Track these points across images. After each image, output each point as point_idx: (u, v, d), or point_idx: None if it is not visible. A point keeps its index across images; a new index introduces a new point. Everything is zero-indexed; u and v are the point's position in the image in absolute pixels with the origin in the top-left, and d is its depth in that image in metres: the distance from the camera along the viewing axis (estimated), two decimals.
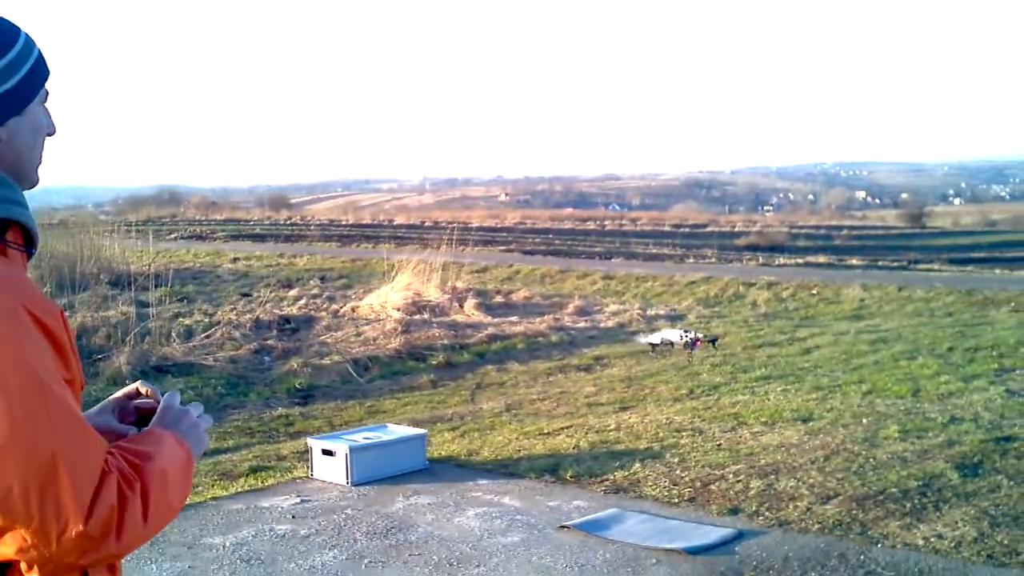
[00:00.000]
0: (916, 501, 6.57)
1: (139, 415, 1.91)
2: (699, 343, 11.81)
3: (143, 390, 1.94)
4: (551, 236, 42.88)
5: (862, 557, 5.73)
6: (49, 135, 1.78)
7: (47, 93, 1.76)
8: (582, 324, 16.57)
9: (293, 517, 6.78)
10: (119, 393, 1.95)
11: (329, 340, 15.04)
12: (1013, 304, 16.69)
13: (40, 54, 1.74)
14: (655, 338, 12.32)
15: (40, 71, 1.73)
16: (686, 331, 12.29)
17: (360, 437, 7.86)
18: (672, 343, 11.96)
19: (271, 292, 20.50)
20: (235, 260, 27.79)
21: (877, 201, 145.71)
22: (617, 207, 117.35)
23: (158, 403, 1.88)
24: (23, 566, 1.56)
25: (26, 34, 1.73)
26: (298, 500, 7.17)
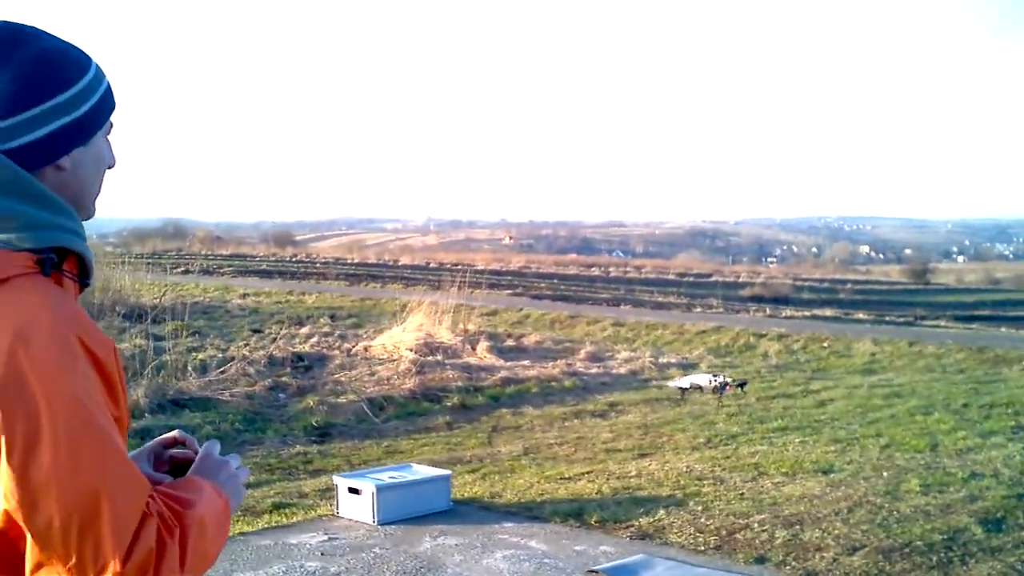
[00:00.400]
0: (942, 555, 6.62)
1: (173, 464, 1.88)
2: (729, 387, 11.86)
3: (180, 439, 1.91)
4: (556, 281, 43.07)
5: None
6: (109, 167, 1.79)
7: (112, 125, 1.77)
8: (595, 370, 16.63)
9: (322, 554, 6.82)
10: (155, 441, 1.93)
11: (343, 379, 15.10)
12: None
13: (109, 86, 1.76)
14: (684, 382, 12.38)
15: (108, 102, 1.75)
16: (715, 375, 12.36)
17: (386, 476, 7.90)
18: (701, 387, 12.02)
19: (283, 329, 20.58)
20: (244, 296, 27.90)
21: (881, 256, 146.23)
22: (621, 254, 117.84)
23: (195, 453, 1.87)
24: None
25: (96, 64, 1.74)
26: (325, 537, 7.21)
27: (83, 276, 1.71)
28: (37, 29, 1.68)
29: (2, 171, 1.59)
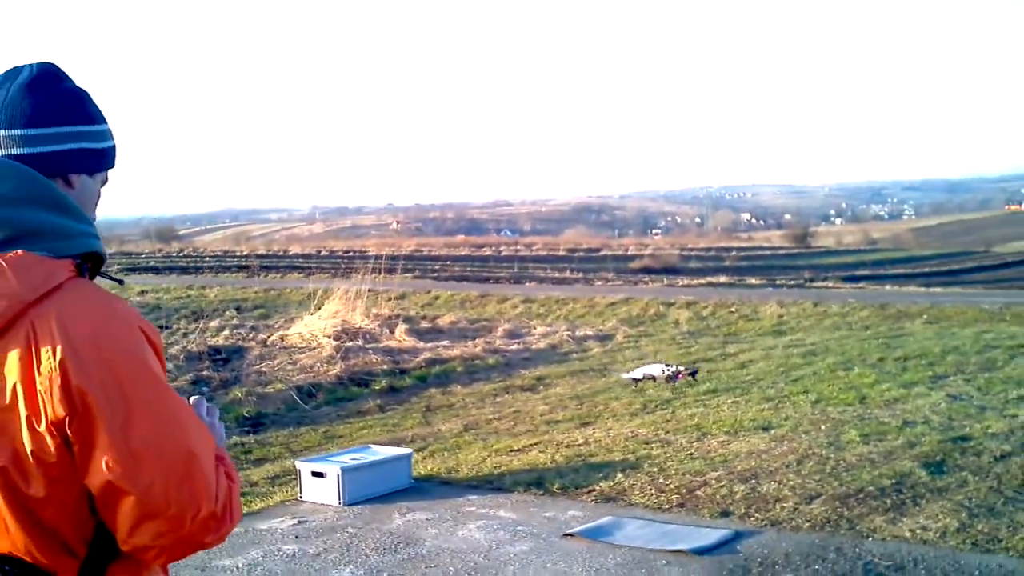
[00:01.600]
0: (894, 498, 6.94)
1: None
2: (680, 375, 12.13)
3: None
4: (450, 263, 43.18)
5: (857, 550, 6.05)
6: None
7: (107, 180, 2.04)
8: (515, 347, 16.81)
9: (296, 537, 6.86)
10: None
11: (265, 369, 15.01)
12: (926, 316, 17.46)
13: (115, 146, 2.04)
14: (637, 373, 12.60)
15: (113, 155, 2.03)
16: (667, 365, 12.61)
17: (348, 458, 7.95)
18: (654, 377, 12.26)
19: (190, 324, 20.30)
20: (143, 293, 27.34)
21: (762, 223, 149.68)
22: (509, 233, 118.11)
23: None
24: (151, 554, 1.76)
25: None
26: (295, 521, 7.24)
27: (95, 272, 1.93)
28: (72, 78, 1.99)
29: (39, 187, 1.83)
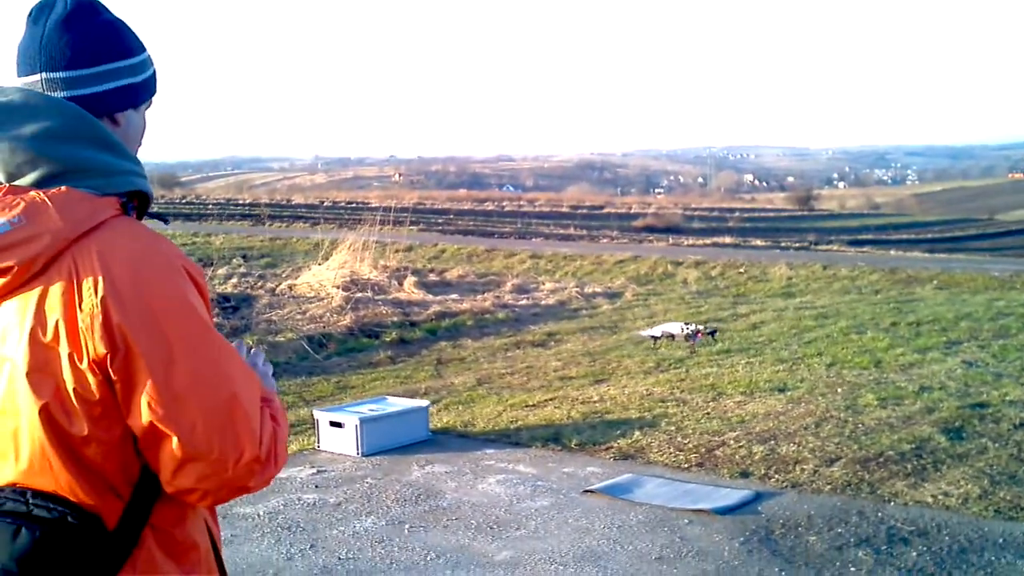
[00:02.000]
0: (915, 463, 6.94)
1: None
2: (700, 335, 12.08)
3: None
4: (453, 216, 43.04)
5: (879, 514, 6.05)
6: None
7: (151, 104, 2.00)
8: (524, 302, 16.78)
9: (316, 487, 6.87)
10: None
11: (275, 318, 14.97)
12: (936, 282, 17.42)
13: (155, 70, 2.00)
14: (656, 331, 12.55)
15: (155, 81, 1.99)
16: (687, 324, 12.56)
17: (366, 409, 7.95)
18: (673, 335, 12.21)
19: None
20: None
21: (764, 184, 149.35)
22: (511, 188, 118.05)
23: None
24: (194, 496, 1.74)
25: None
26: (314, 471, 7.25)
27: (143, 211, 1.90)
28: (107, 7, 1.93)
29: (84, 123, 1.78)
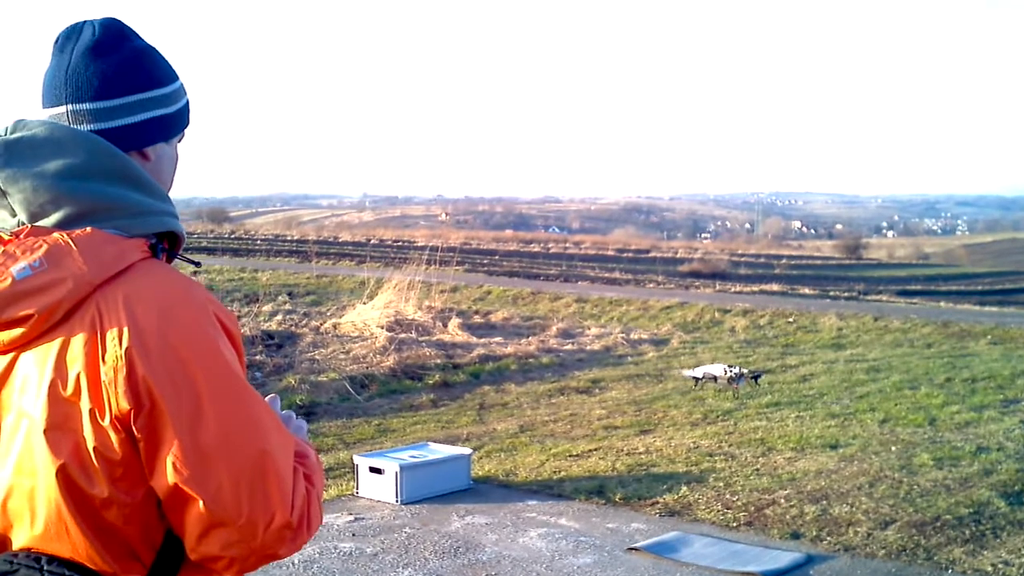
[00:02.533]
0: (973, 528, 6.68)
1: None
2: (744, 378, 11.84)
3: None
4: (498, 257, 43.00)
5: None
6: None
7: (184, 136, 1.88)
8: (569, 347, 16.60)
9: (353, 535, 6.71)
10: None
11: (318, 357, 14.90)
12: (990, 337, 17.03)
13: (189, 100, 1.88)
14: (698, 372, 12.34)
15: (188, 112, 1.87)
16: (730, 366, 12.31)
17: (407, 455, 7.80)
18: (716, 377, 11.99)
19: (243, 307, 20.29)
20: (195, 273, 27.41)
21: (812, 231, 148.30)
22: (557, 230, 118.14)
23: None
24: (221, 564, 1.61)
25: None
26: (352, 518, 7.10)
27: (174, 253, 1.79)
28: (138, 34, 1.81)
29: (111, 159, 1.66)
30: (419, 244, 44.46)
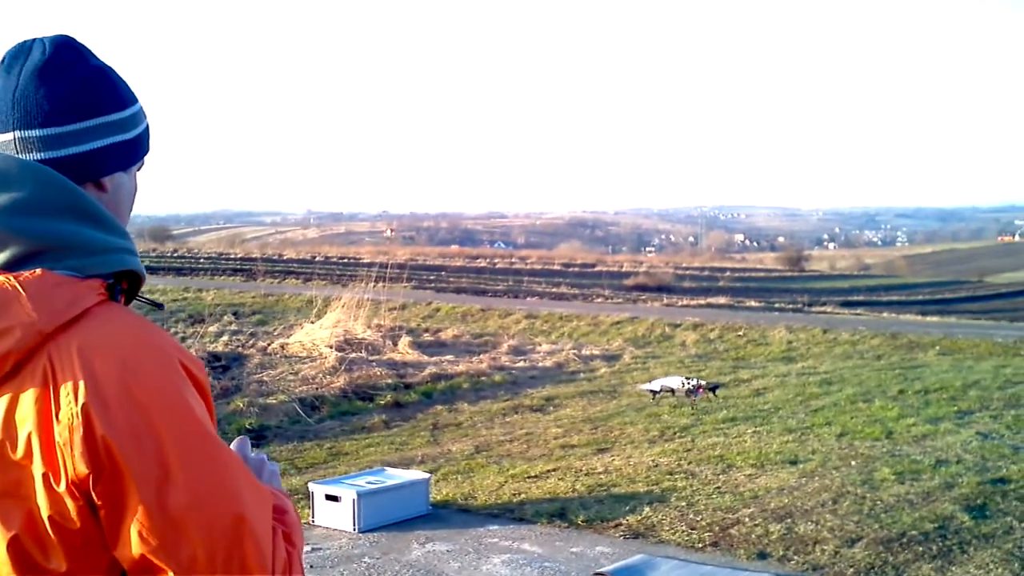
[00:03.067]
0: (940, 544, 6.63)
1: None
2: (701, 390, 11.78)
3: None
4: (445, 273, 42.85)
5: None
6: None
7: (143, 164, 1.71)
8: (520, 364, 16.46)
9: (311, 567, 6.52)
10: None
11: (266, 378, 14.63)
12: (939, 347, 17.15)
13: (148, 125, 1.71)
14: (655, 385, 12.27)
15: (147, 138, 1.70)
16: (688, 379, 12.25)
17: (363, 482, 7.61)
18: (673, 390, 11.91)
19: (188, 328, 19.94)
20: (151, 315, 26.92)
21: (755, 244, 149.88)
22: (503, 245, 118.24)
23: None
24: None
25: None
26: (308, 548, 6.89)
27: (133, 294, 1.61)
28: (93, 52, 1.64)
29: (63, 192, 1.50)
30: (366, 261, 44.16)
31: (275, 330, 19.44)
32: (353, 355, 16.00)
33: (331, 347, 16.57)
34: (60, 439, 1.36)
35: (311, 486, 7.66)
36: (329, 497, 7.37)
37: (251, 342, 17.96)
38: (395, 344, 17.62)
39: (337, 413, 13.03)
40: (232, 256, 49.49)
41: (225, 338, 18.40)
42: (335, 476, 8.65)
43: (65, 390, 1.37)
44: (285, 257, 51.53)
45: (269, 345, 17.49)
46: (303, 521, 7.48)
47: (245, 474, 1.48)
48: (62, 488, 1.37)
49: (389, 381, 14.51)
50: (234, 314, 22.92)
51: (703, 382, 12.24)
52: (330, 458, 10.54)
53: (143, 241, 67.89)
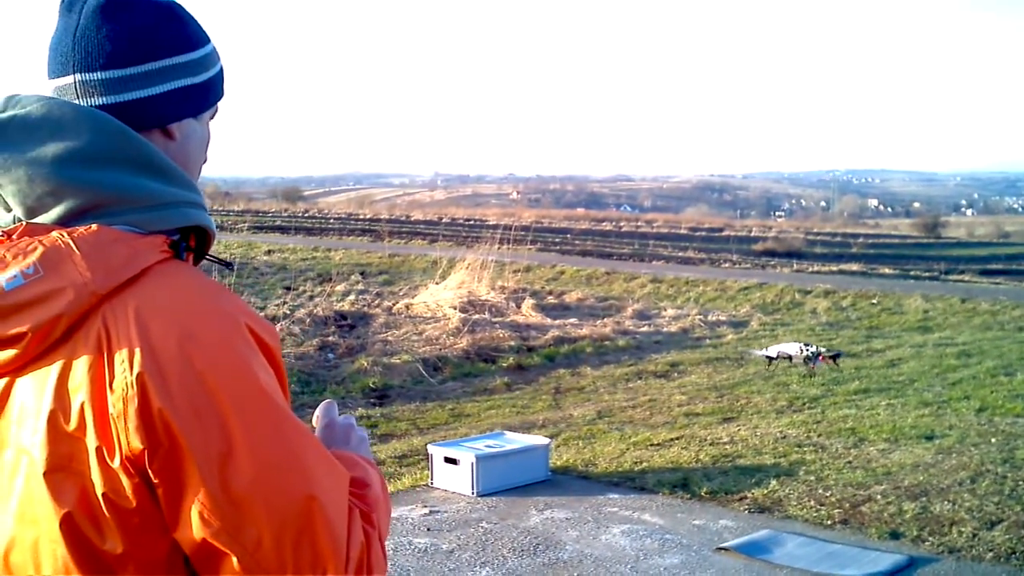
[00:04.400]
0: None
1: None
2: (822, 358, 11.38)
3: None
4: (570, 236, 42.60)
5: None
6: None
7: (217, 111, 1.57)
8: (645, 328, 16.23)
9: (428, 530, 6.46)
10: None
11: (391, 338, 14.71)
12: None
13: (222, 68, 1.57)
14: (772, 351, 11.93)
15: (221, 83, 1.56)
16: (806, 345, 11.85)
17: (482, 445, 7.53)
18: (791, 356, 11.56)
19: (316, 287, 20.21)
20: (269, 252, 27.38)
21: (889, 210, 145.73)
22: (629, 208, 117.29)
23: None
24: None
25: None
26: (426, 511, 6.84)
27: (201, 253, 1.47)
28: None
29: (123, 140, 1.36)
30: (491, 223, 44.17)
31: (400, 290, 19.55)
32: (476, 316, 15.98)
33: (455, 308, 16.59)
34: (114, 411, 1.24)
35: (430, 448, 7.61)
36: (448, 460, 7.31)
37: (376, 302, 18.09)
38: (518, 306, 17.55)
39: (459, 374, 13.02)
40: (360, 217, 50.10)
41: (352, 297, 18.56)
42: (456, 438, 8.61)
43: (120, 357, 1.25)
44: (412, 218, 51.91)
45: (394, 305, 17.60)
46: (423, 483, 7.46)
47: (318, 450, 1.35)
48: (116, 464, 1.24)
49: (512, 343, 14.44)
50: (361, 274, 23.12)
51: (823, 349, 11.79)
52: (452, 419, 10.53)
53: (276, 201, 69.25)
